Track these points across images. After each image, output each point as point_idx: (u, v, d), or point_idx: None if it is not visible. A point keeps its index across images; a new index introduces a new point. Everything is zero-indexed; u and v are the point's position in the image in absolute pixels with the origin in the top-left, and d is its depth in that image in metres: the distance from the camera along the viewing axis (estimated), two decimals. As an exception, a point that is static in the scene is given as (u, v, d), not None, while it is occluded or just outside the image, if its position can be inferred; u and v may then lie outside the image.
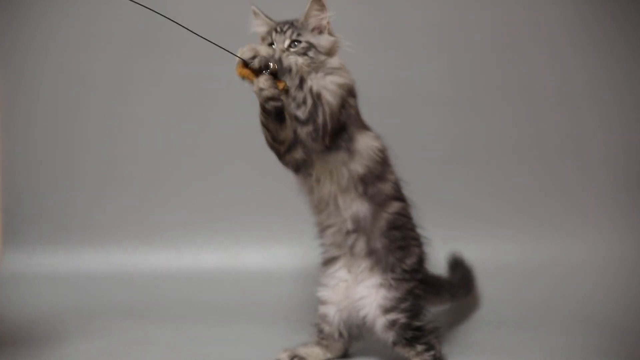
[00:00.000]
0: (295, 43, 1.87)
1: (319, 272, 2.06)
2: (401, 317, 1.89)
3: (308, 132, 1.80)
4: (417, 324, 1.92)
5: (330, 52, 1.90)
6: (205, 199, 2.90)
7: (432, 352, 1.92)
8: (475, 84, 2.90)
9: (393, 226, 1.94)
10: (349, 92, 1.90)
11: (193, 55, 2.84)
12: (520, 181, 2.91)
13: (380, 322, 1.90)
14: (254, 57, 1.75)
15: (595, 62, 2.87)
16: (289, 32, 1.89)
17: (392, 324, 1.90)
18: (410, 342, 1.90)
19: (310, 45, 1.87)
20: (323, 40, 1.90)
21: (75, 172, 2.92)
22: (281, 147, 1.86)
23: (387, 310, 1.89)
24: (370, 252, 1.93)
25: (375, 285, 1.91)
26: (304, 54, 1.86)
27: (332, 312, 1.99)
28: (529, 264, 2.79)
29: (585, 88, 2.89)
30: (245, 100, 2.80)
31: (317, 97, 1.80)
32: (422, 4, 2.86)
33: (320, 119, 1.79)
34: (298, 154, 1.86)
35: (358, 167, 1.90)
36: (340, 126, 1.86)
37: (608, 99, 2.88)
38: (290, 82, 1.78)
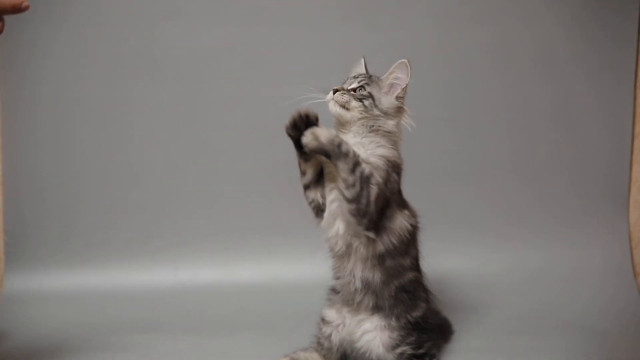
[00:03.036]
0: (360, 90, 1.95)
1: (327, 291, 2.12)
2: (407, 349, 1.97)
3: (351, 209, 1.86)
4: (422, 351, 2.00)
5: (387, 113, 1.96)
6: (201, 217, 2.94)
7: None
8: (468, 100, 2.95)
9: (403, 290, 1.99)
10: (394, 167, 1.94)
11: (192, 76, 2.91)
12: (512, 193, 2.97)
13: (387, 358, 1.97)
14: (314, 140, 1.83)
15: (587, 79, 2.92)
16: (360, 79, 1.98)
17: (399, 356, 1.97)
18: None
19: (370, 97, 1.94)
20: (385, 99, 1.96)
21: (77, 193, 2.95)
22: (302, 178, 1.97)
23: (393, 348, 1.96)
24: (377, 308, 1.98)
25: (380, 327, 1.98)
26: (361, 100, 1.93)
27: (332, 332, 2.05)
28: (521, 272, 2.86)
29: (576, 104, 2.94)
30: (243, 121, 2.92)
31: (365, 182, 1.84)
32: (419, 22, 2.90)
33: (363, 202, 1.85)
34: (313, 194, 1.96)
35: (381, 246, 1.93)
36: (385, 202, 1.91)
37: (597, 115, 2.93)
38: (344, 165, 1.82)
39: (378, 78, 2.00)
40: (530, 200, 2.97)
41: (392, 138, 1.96)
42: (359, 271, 1.94)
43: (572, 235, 2.93)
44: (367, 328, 1.98)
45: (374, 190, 1.85)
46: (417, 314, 1.99)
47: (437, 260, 2.78)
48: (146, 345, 2.31)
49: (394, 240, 1.93)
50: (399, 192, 1.98)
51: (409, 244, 1.99)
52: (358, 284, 1.95)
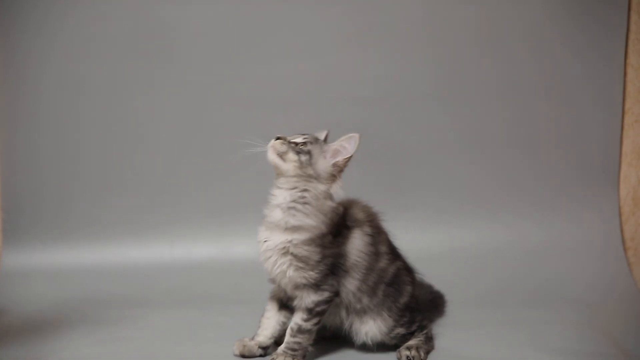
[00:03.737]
0: (301, 145, 1.93)
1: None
2: (401, 330, 2.03)
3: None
4: (414, 328, 2.05)
5: (320, 177, 1.93)
6: (197, 194, 2.96)
7: (424, 332, 2.07)
8: (463, 78, 2.96)
9: (389, 286, 2.02)
10: (321, 237, 1.92)
11: (189, 54, 2.92)
12: (508, 168, 2.99)
13: (385, 340, 2.03)
14: None
15: (577, 56, 2.93)
16: (306, 136, 1.97)
17: (394, 337, 2.03)
18: (408, 337, 2.05)
19: (309, 154, 1.92)
20: (322, 162, 1.93)
21: (74, 169, 2.96)
22: None
23: (389, 332, 2.01)
24: (367, 310, 2.01)
25: (374, 322, 2.01)
26: (298, 153, 1.91)
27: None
28: (517, 245, 2.89)
29: (568, 81, 2.95)
30: (239, 99, 2.93)
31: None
32: (410, 2, 2.91)
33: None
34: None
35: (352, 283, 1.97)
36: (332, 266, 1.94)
37: (588, 92, 2.94)
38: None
39: (325, 143, 1.98)
40: (525, 176, 2.99)
41: (321, 206, 1.93)
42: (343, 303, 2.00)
43: (566, 209, 2.96)
44: (362, 328, 2.01)
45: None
46: (404, 299, 2.03)
47: (436, 234, 2.93)
48: (142, 319, 2.35)
49: (360, 271, 1.97)
50: (343, 216, 1.98)
51: (376, 252, 2.01)
52: (343, 312, 2.02)
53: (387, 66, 2.95)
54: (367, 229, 2.00)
